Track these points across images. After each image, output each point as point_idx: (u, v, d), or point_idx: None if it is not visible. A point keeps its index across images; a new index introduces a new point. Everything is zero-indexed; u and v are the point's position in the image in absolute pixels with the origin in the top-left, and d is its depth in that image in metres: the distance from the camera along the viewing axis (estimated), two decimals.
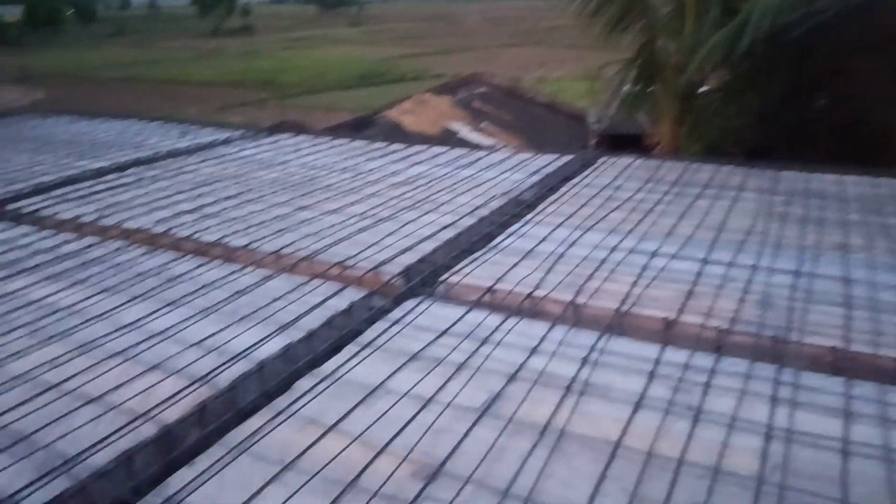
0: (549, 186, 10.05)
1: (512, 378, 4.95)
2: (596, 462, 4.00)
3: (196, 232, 8.15)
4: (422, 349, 5.42)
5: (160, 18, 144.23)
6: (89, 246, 7.88)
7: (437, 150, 12.58)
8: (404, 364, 5.22)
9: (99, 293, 6.61)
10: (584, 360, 5.12)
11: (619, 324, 5.73)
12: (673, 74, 18.02)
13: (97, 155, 12.47)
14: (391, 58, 76.38)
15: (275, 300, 6.39)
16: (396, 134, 21.89)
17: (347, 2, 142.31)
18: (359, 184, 10.38)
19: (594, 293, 6.29)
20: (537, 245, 7.56)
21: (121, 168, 11.55)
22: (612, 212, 8.60)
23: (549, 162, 11.36)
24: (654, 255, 7.11)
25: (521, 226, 8.22)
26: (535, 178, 10.34)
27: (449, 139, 21.91)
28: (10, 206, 9.74)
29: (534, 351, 5.32)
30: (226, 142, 13.61)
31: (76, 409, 4.76)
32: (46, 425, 4.57)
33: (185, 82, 64.89)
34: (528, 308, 6.11)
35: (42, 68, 68.13)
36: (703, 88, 19.02)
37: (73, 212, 9.19)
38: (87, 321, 6.02)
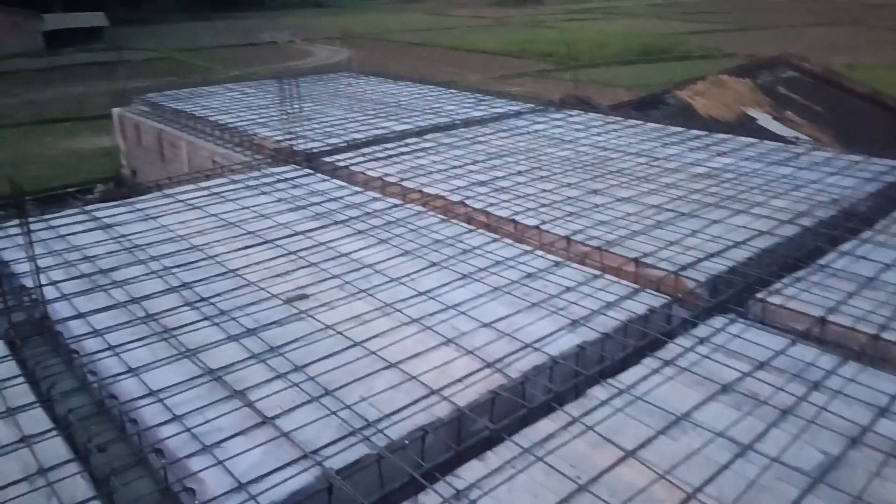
0: (891, 198, 8.38)
1: (855, 442, 4.05)
2: None
3: (489, 205, 8.14)
4: (735, 380, 4.70)
5: None
6: (392, 206, 8.27)
7: (744, 140, 11.25)
8: (715, 395, 4.56)
9: (400, 255, 6.85)
10: None
11: None
12: None
13: (401, 117, 13.26)
14: (678, 33, 71.91)
15: (566, 291, 6.06)
16: (687, 116, 20.33)
17: None
18: (654, 171, 9.64)
19: None
20: (882, 272, 6.26)
21: (421, 132, 12.13)
22: None
23: (888, 168, 9.52)
24: None
25: (858, 244, 6.90)
26: (872, 187, 8.68)
27: (747, 127, 19.76)
28: (327, 159, 10.71)
29: (883, 411, 4.32)
30: (517, 114, 13.61)
31: (376, 371, 4.88)
32: (350, 383, 4.74)
33: (470, 49, 67.67)
34: (874, 353, 5.03)
35: (350, 30, 75.98)
36: None
37: (379, 171, 9.78)
38: (388, 282, 6.24)
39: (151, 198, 8.86)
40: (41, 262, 6.69)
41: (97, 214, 8.17)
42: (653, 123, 12.56)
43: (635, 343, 5.27)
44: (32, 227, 7.64)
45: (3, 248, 7.14)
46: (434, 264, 6.60)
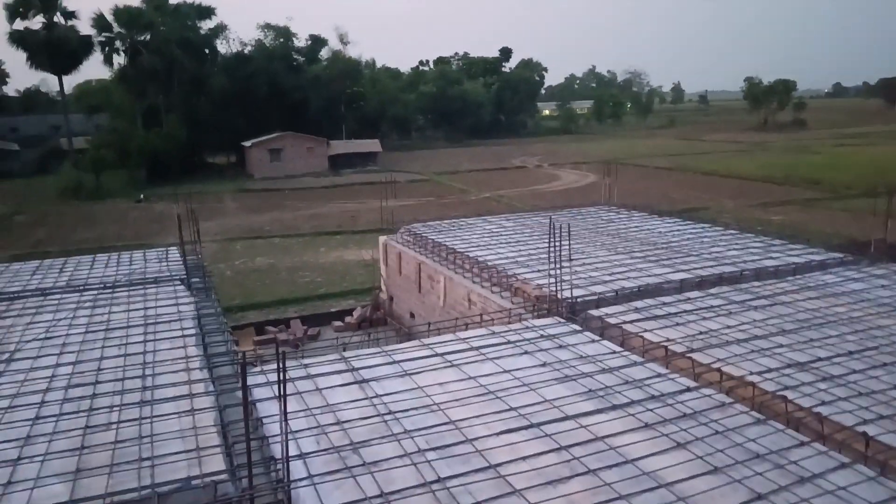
0: None
1: None
2: None
3: (820, 404, 6.19)
4: None
5: (710, 111, 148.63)
6: (685, 389, 6.65)
7: None
8: None
9: (707, 473, 5.09)
10: None
11: None
12: None
13: (675, 263, 11.65)
14: None
15: None
16: None
17: None
18: None
19: None
20: None
21: (704, 283, 10.41)
22: None
23: None
24: None
25: None
26: None
27: None
28: (594, 312, 9.45)
29: None
30: (821, 266, 11.30)
31: None
32: None
33: (725, 175, 64.04)
34: None
35: (600, 154, 76.45)
36: None
37: (659, 333, 8.26)
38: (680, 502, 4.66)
39: (410, 348, 8.25)
40: (293, 423, 6.20)
41: (356, 364, 7.70)
42: None
43: None
44: (291, 372, 7.34)
45: (262, 399, 6.79)
46: (759, 497, 4.86)
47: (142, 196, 47.13)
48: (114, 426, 6.31)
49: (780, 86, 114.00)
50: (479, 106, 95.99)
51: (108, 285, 11.58)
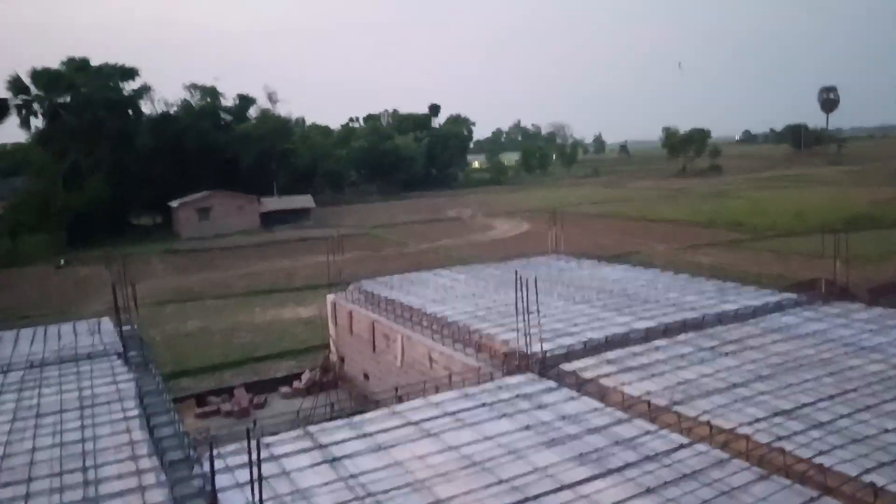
0: None
1: None
2: None
3: (818, 453, 6.01)
4: None
5: (631, 160, 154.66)
6: (679, 447, 6.37)
7: None
8: None
9: None
10: None
11: None
12: None
13: (636, 311, 11.53)
14: (885, 200, 65.71)
15: None
16: None
17: (825, 140, 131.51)
18: None
19: None
20: None
21: (670, 331, 10.28)
22: None
23: None
24: None
25: None
26: None
27: None
28: (567, 367, 9.14)
29: None
30: (778, 307, 11.39)
31: None
32: None
33: (652, 220, 66.14)
34: None
35: (530, 204, 77.87)
36: None
37: (638, 386, 7.99)
38: None
39: (380, 417, 7.70)
40: None
41: (322, 439, 7.08)
42: None
43: None
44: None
45: (223, 489, 6.07)
46: None
47: (62, 261, 44.71)
48: None
49: (696, 134, 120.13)
50: (410, 160, 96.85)
51: (35, 364, 10.55)
